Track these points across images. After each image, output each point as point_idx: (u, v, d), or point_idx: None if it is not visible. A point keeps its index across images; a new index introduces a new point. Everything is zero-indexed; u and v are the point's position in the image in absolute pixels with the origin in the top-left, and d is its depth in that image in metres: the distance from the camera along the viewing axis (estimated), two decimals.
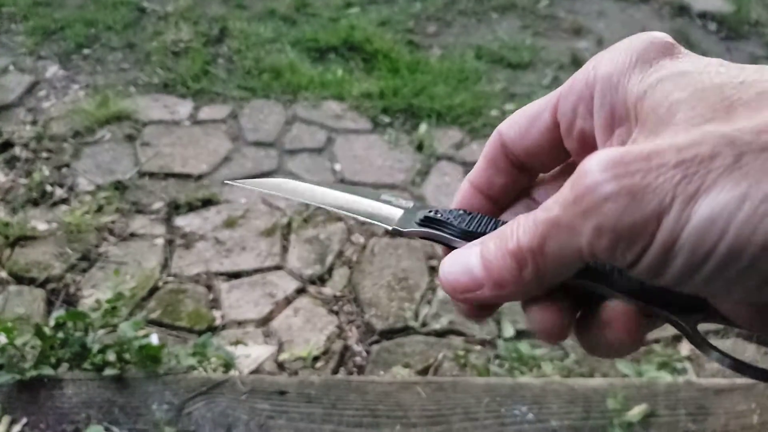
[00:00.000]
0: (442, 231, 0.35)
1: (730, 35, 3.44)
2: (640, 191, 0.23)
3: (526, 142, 0.35)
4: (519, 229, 0.29)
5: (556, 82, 3.02)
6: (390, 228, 0.36)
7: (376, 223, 0.37)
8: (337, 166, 2.43)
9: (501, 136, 0.36)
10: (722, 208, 0.22)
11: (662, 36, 0.31)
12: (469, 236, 0.34)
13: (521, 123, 0.35)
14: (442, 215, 0.35)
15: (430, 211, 0.36)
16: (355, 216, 0.37)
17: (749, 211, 0.21)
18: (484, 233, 0.34)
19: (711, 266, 0.23)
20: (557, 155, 0.35)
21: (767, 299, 0.24)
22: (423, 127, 2.64)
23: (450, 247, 0.35)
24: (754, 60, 3.29)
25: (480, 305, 0.34)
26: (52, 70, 2.84)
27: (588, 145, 0.32)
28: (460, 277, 0.32)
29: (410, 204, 0.38)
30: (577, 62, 3.16)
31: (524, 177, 0.37)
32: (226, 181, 0.44)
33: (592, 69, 0.31)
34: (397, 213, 0.37)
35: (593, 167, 0.24)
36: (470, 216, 0.35)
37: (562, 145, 0.34)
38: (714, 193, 0.22)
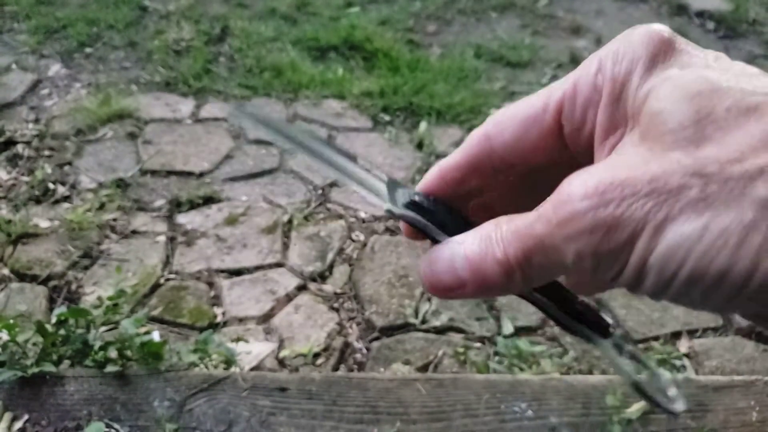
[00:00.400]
0: (428, 220, 0.35)
1: (729, 34, 3.44)
2: (614, 222, 0.25)
3: (522, 145, 0.34)
4: (503, 238, 0.30)
5: (555, 81, 3.03)
6: (385, 206, 0.35)
7: (366, 194, 0.36)
8: None
9: (489, 140, 0.35)
10: (685, 238, 0.24)
11: (661, 30, 0.31)
12: (447, 230, 0.34)
13: (515, 127, 0.34)
14: (426, 203, 0.35)
15: (413, 195, 0.35)
16: (348, 182, 0.36)
17: (708, 242, 0.23)
18: (458, 231, 0.33)
19: (676, 287, 0.25)
20: (554, 157, 0.35)
21: (737, 310, 0.26)
22: (423, 126, 2.65)
23: (429, 236, 0.34)
24: (752, 59, 3.29)
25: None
26: (55, 68, 2.85)
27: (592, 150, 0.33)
28: (444, 277, 0.32)
29: (384, 177, 0.37)
30: (575, 61, 3.17)
31: (502, 178, 0.37)
32: (232, 112, 0.42)
33: (598, 72, 0.31)
34: (381, 186, 0.36)
35: (574, 194, 0.26)
36: (446, 207, 0.36)
37: (562, 148, 0.34)
38: (679, 222, 0.24)
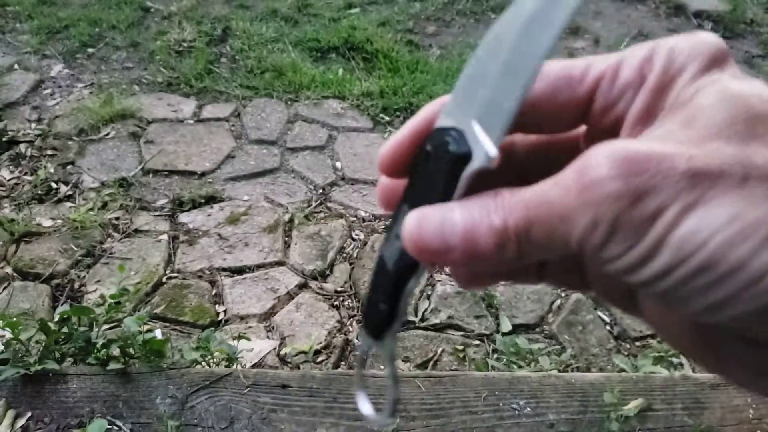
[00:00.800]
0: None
1: (726, 34, 3.45)
2: (643, 193, 0.25)
3: (546, 103, 0.32)
4: (504, 206, 0.29)
5: None
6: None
7: None
8: (338, 164, 2.45)
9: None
10: (712, 222, 0.23)
11: (721, 42, 0.30)
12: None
13: (547, 81, 0.33)
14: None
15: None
16: None
17: (735, 230, 0.23)
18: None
19: (684, 272, 0.24)
20: (568, 127, 0.34)
21: (719, 320, 0.26)
22: None
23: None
24: (749, 59, 3.30)
25: (468, 274, 0.34)
26: (57, 68, 2.87)
27: (616, 132, 0.32)
28: (430, 239, 0.30)
29: None
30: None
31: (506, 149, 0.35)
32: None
33: (647, 59, 0.30)
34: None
35: (603, 161, 0.25)
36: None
37: (580, 120, 0.33)
38: (710, 207, 0.24)
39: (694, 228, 0.24)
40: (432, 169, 0.33)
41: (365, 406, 0.38)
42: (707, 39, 0.29)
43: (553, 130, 0.35)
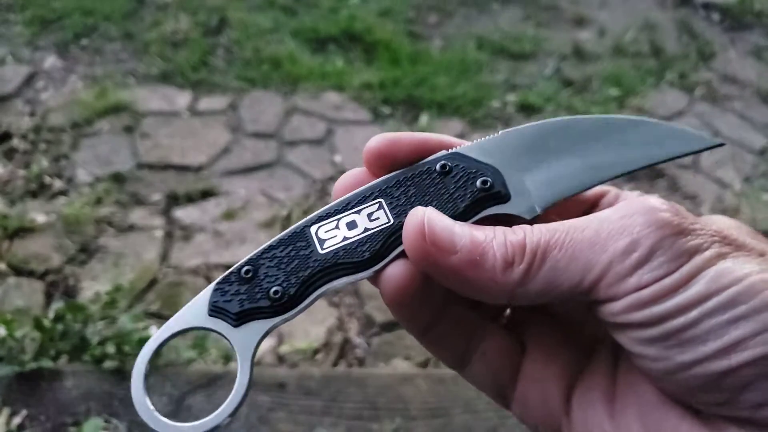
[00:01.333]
0: None
1: (734, 25, 3.41)
2: (687, 230, 0.28)
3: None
4: (526, 228, 0.29)
5: (558, 74, 3.00)
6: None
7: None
8: (337, 158, 2.42)
9: None
10: (744, 266, 0.27)
11: (663, 213, 0.32)
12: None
13: None
14: None
15: None
16: None
17: (759, 278, 0.26)
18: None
19: (714, 302, 0.26)
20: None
21: (723, 368, 0.27)
22: (424, 118, 2.63)
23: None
24: (757, 50, 3.26)
25: (411, 291, 0.32)
26: (50, 60, 2.82)
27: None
28: (440, 230, 0.30)
29: None
30: (579, 53, 3.14)
31: None
32: None
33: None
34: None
35: (653, 198, 0.29)
36: None
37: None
38: (740, 259, 0.27)
39: (730, 267, 0.27)
40: (450, 186, 0.34)
41: (149, 412, 0.33)
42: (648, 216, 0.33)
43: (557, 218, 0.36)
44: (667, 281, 0.27)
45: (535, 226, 0.30)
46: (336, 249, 0.33)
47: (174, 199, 2.17)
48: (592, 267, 0.28)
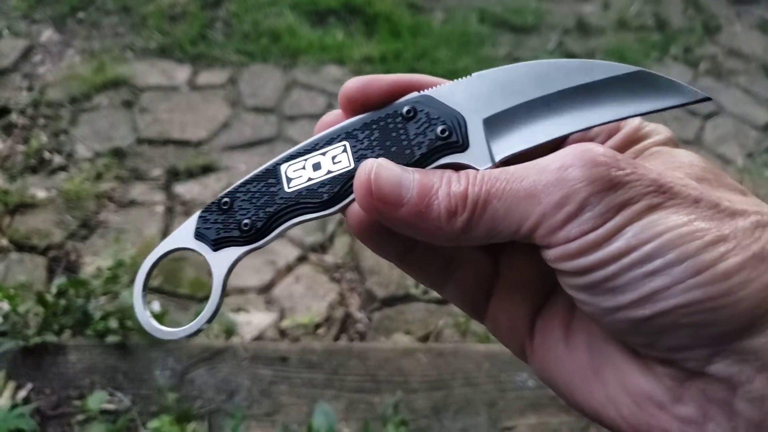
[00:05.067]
0: None
1: None
2: (619, 184, 0.29)
3: None
4: (470, 178, 0.31)
5: (560, 47, 2.97)
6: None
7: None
8: None
9: None
10: (669, 220, 0.28)
11: (670, 131, 0.37)
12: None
13: None
14: None
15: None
16: None
17: (688, 230, 0.28)
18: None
19: (633, 257, 0.28)
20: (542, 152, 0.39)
21: (643, 315, 0.29)
22: None
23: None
24: (763, 23, 3.22)
25: (375, 228, 0.35)
26: (47, 34, 2.79)
27: None
28: (386, 185, 0.32)
29: None
30: (582, 26, 3.10)
31: None
32: None
33: (622, 120, 0.38)
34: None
35: (595, 149, 0.30)
36: None
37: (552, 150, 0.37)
38: (669, 211, 0.28)
39: (654, 221, 0.28)
40: (411, 132, 0.35)
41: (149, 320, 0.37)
42: (666, 128, 0.38)
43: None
44: (592, 236, 0.28)
45: (479, 173, 0.31)
46: (300, 189, 0.36)
47: (174, 175, 2.17)
48: (528, 217, 0.29)
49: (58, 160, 2.19)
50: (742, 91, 2.81)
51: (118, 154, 2.22)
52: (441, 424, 1.33)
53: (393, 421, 1.29)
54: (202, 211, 0.38)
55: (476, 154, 0.34)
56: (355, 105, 0.37)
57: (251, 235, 0.36)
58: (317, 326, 1.70)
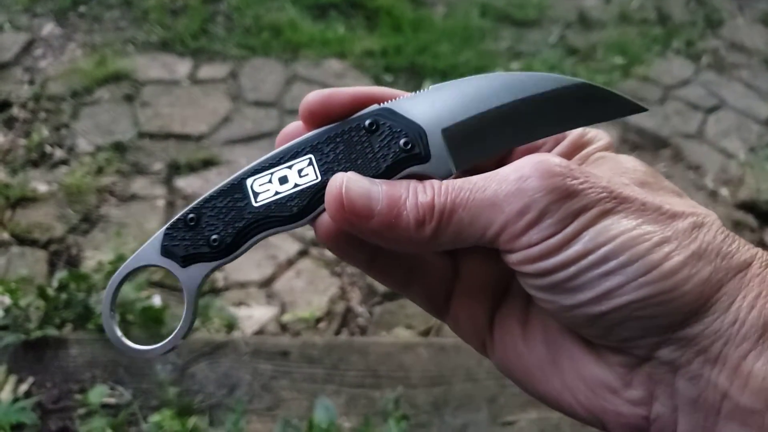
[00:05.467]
0: None
1: None
2: (575, 193, 0.31)
3: None
4: (436, 188, 0.33)
5: (562, 41, 2.95)
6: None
7: None
8: None
9: None
10: (621, 224, 0.31)
11: (609, 138, 0.40)
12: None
13: None
14: None
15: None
16: None
17: (638, 232, 0.31)
18: None
19: (590, 259, 0.31)
20: (495, 162, 0.41)
21: (598, 312, 0.31)
22: (426, 86, 2.60)
23: None
24: (765, 17, 3.20)
25: (344, 238, 0.36)
26: (48, 27, 2.79)
27: None
28: (357, 199, 0.33)
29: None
30: (584, 20, 3.09)
31: None
32: None
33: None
34: None
35: (551, 160, 0.32)
36: None
37: (504, 159, 0.40)
38: (620, 215, 0.31)
39: (608, 226, 0.31)
40: (375, 145, 0.36)
41: (118, 337, 0.37)
42: (605, 134, 0.40)
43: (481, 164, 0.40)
44: (552, 241, 0.31)
45: (443, 183, 0.33)
46: (268, 203, 0.36)
47: (175, 169, 2.17)
48: (491, 224, 0.32)
49: (59, 153, 2.19)
50: (744, 85, 2.80)
51: (119, 148, 2.22)
52: (442, 419, 1.34)
53: (394, 416, 1.29)
54: (168, 228, 0.37)
55: (437, 165, 0.35)
56: (317, 118, 0.38)
57: (221, 251, 0.36)
58: (318, 321, 1.71)
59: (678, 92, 2.71)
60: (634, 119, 2.47)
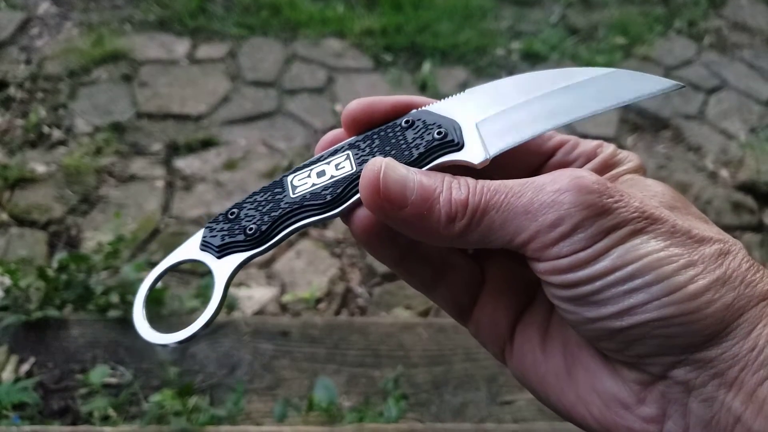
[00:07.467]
0: None
1: None
2: (609, 210, 0.32)
3: (526, 146, 0.40)
4: (471, 186, 0.34)
5: (563, 21, 2.92)
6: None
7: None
8: (338, 107, 2.38)
9: None
10: (650, 244, 0.32)
11: (641, 160, 0.40)
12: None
13: None
14: None
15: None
16: None
17: (666, 254, 0.32)
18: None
19: (617, 276, 0.32)
20: (526, 169, 0.42)
21: (621, 326, 0.32)
22: (426, 66, 2.58)
23: None
24: None
25: (377, 235, 0.37)
26: (44, 6, 2.75)
27: None
28: (393, 185, 0.34)
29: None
30: (586, 0, 3.05)
31: None
32: None
33: (599, 145, 0.41)
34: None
35: (587, 176, 0.33)
36: None
37: (536, 168, 0.41)
38: (650, 236, 0.32)
39: (637, 245, 0.32)
40: (410, 136, 0.37)
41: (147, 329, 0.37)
42: (636, 156, 0.41)
43: (514, 169, 0.40)
44: (582, 254, 0.32)
45: (479, 183, 0.34)
46: (304, 193, 0.37)
47: (174, 149, 2.16)
48: (523, 231, 0.33)
49: (57, 134, 2.18)
50: (746, 65, 2.77)
51: (117, 128, 2.20)
52: (441, 398, 1.35)
53: (393, 395, 1.30)
54: (209, 222, 0.39)
55: (472, 151, 0.36)
56: (360, 125, 0.39)
57: (256, 239, 0.37)
58: (318, 301, 1.71)
59: (680, 72, 2.69)
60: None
